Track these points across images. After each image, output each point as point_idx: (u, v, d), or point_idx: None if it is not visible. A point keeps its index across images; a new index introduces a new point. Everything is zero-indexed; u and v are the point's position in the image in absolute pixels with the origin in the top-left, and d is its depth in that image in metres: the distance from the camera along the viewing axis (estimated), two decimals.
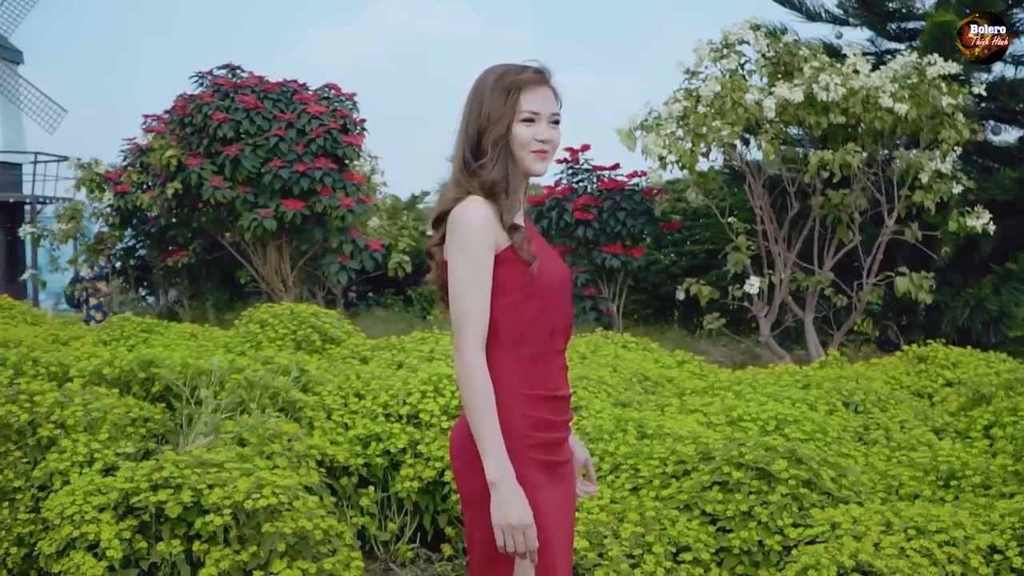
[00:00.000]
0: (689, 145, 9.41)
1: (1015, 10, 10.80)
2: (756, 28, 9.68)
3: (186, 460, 3.57)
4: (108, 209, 13.25)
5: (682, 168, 9.69)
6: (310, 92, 12.03)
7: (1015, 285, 10.07)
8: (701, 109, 9.36)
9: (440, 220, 2.20)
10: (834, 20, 11.56)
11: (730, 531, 3.66)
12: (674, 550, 3.55)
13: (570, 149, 11.96)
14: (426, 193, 18.14)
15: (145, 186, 12.76)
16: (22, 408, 4.02)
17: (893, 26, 11.50)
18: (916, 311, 10.50)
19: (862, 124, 9.23)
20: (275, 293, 11.64)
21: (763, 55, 9.63)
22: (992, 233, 9.50)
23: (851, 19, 11.51)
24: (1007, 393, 5.27)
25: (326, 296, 12.53)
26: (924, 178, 9.22)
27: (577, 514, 3.56)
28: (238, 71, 12.18)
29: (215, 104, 11.42)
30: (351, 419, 4.66)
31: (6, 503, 3.78)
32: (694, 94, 9.53)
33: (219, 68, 12.19)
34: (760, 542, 3.60)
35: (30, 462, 3.91)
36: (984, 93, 9.93)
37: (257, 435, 4.07)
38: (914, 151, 9.46)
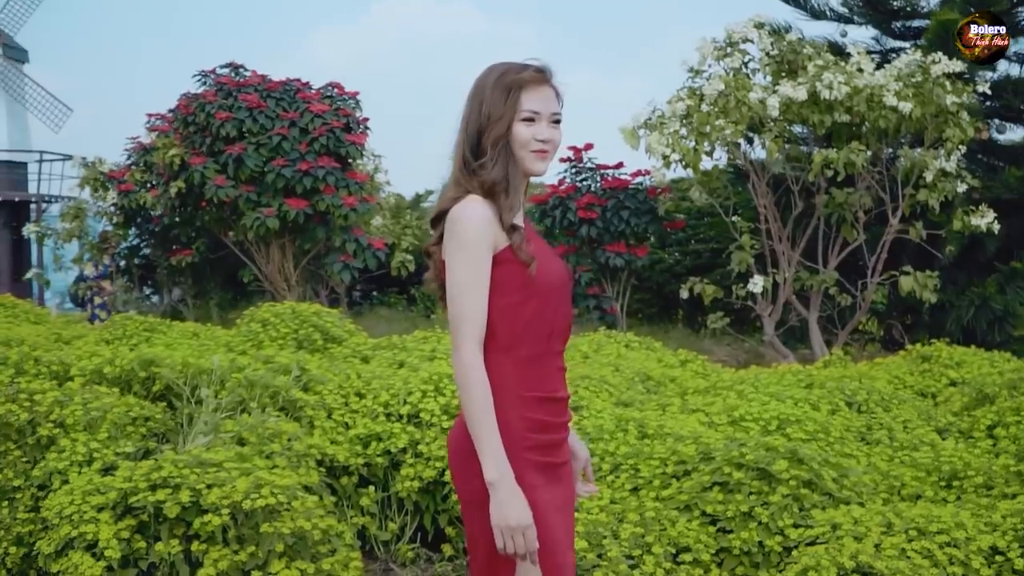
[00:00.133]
0: (693, 144, 9.39)
1: (1019, 9, 10.75)
2: (760, 26, 9.66)
3: (185, 460, 3.56)
4: (112, 208, 13.27)
5: (686, 167, 9.67)
6: (313, 91, 12.03)
7: (1020, 284, 10.05)
8: (705, 108, 9.34)
9: (439, 219, 2.18)
10: (839, 18, 11.54)
11: (730, 532, 3.64)
12: (674, 551, 3.54)
13: (574, 148, 11.94)
14: (430, 192, 18.12)
15: (149, 185, 12.77)
16: (22, 407, 4.02)
17: (898, 24, 11.47)
18: (921, 310, 10.47)
19: (866, 123, 9.21)
20: (278, 292, 11.64)
21: (767, 53, 9.60)
22: (997, 232, 9.47)
23: (856, 17, 11.49)
24: (1010, 393, 5.24)
25: (329, 295, 12.52)
26: (928, 177, 9.20)
27: (576, 514, 3.55)
28: (241, 70, 12.18)
29: (218, 103, 11.42)
30: (352, 418, 4.65)
31: (6, 502, 3.77)
32: (698, 92, 9.51)
33: (222, 67, 12.18)
34: (760, 543, 3.58)
35: (30, 461, 3.91)
36: (989, 91, 9.89)
37: (257, 434, 4.06)
38: (918, 150, 9.44)
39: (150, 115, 13.06)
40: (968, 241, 10.01)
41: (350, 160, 11.84)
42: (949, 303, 10.10)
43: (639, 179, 11.69)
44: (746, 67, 9.66)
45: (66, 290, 16.27)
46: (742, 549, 3.56)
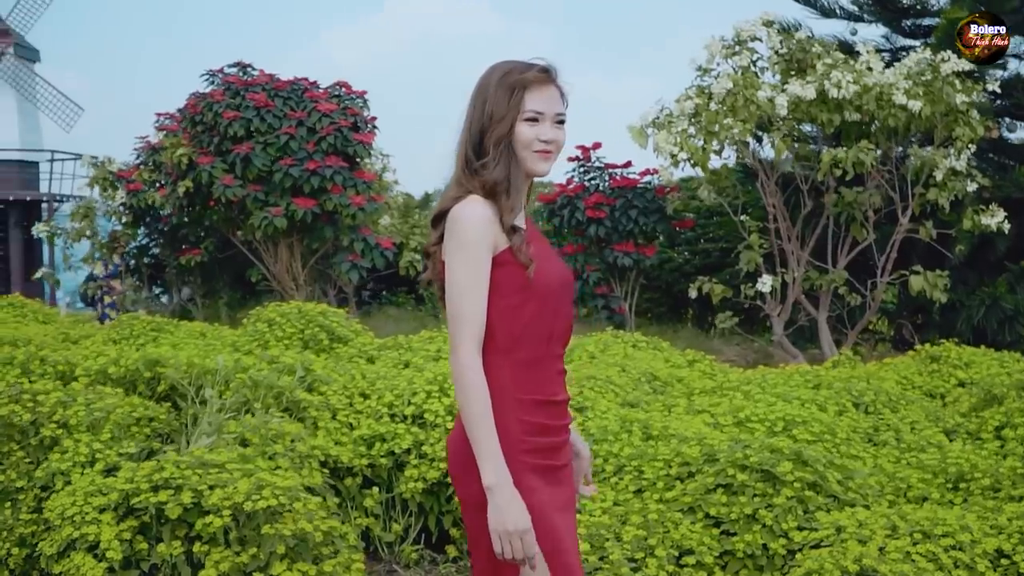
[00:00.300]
0: (701, 143, 9.36)
1: None
2: (769, 24, 9.61)
3: (187, 461, 3.56)
4: (121, 207, 13.30)
5: (694, 166, 9.63)
6: (321, 90, 12.03)
7: None
8: (713, 106, 9.30)
9: (439, 219, 2.17)
10: (849, 16, 11.47)
11: (734, 534, 3.62)
12: (677, 553, 3.52)
13: (582, 147, 11.90)
14: (439, 191, 18.13)
15: (157, 184, 12.80)
16: (25, 408, 4.02)
17: (908, 23, 11.40)
18: (931, 310, 10.41)
19: (876, 121, 9.16)
20: (286, 292, 11.65)
21: (776, 52, 9.56)
22: (1007, 231, 9.41)
23: (866, 15, 11.42)
24: (1019, 394, 5.20)
25: (338, 295, 12.52)
26: (938, 176, 9.14)
27: (579, 517, 3.54)
28: (249, 69, 12.19)
29: (226, 102, 11.43)
30: (356, 419, 4.64)
31: (8, 503, 3.78)
32: (706, 91, 9.47)
33: (230, 66, 12.20)
34: (764, 546, 3.56)
35: (33, 462, 3.91)
36: (999, 90, 9.82)
37: (260, 435, 4.06)
38: (928, 148, 9.38)
39: (159, 114, 13.09)
40: (978, 240, 9.94)
41: (358, 159, 11.84)
42: (959, 303, 10.04)
43: (647, 178, 11.64)
44: (755, 65, 9.61)
45: (76, 289, 16.32)
46: (746, 552, 3.54)
